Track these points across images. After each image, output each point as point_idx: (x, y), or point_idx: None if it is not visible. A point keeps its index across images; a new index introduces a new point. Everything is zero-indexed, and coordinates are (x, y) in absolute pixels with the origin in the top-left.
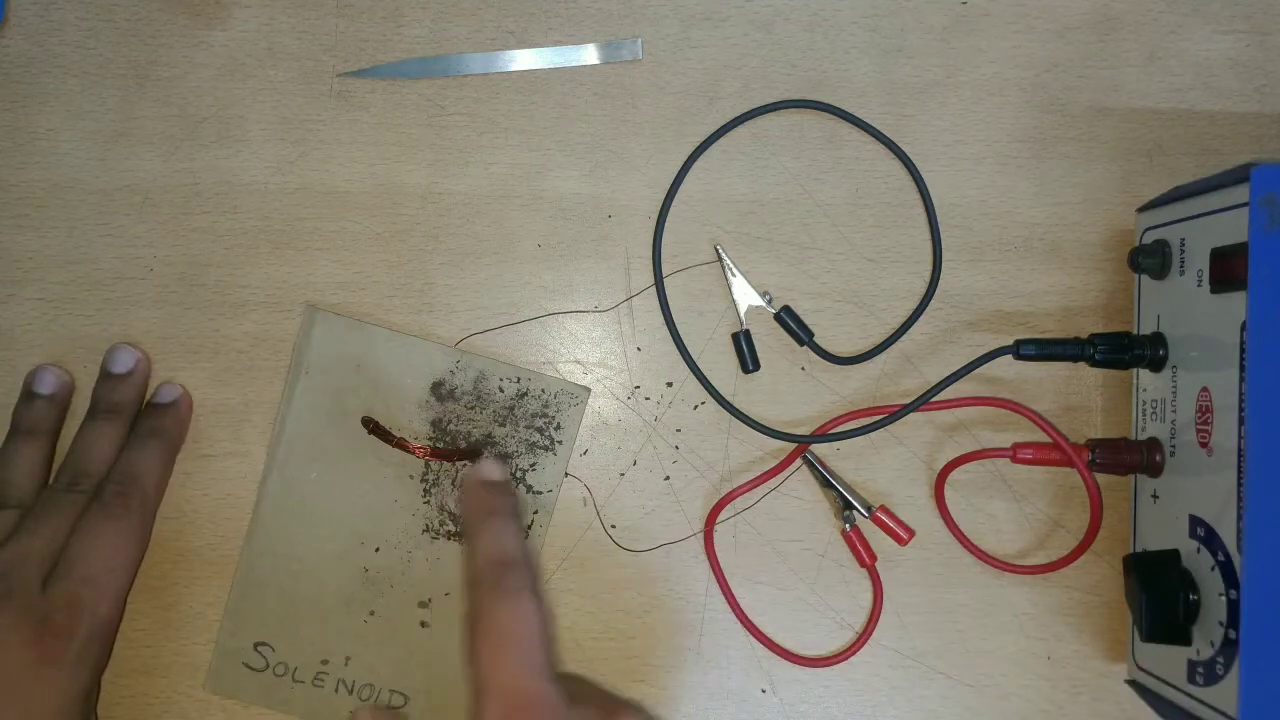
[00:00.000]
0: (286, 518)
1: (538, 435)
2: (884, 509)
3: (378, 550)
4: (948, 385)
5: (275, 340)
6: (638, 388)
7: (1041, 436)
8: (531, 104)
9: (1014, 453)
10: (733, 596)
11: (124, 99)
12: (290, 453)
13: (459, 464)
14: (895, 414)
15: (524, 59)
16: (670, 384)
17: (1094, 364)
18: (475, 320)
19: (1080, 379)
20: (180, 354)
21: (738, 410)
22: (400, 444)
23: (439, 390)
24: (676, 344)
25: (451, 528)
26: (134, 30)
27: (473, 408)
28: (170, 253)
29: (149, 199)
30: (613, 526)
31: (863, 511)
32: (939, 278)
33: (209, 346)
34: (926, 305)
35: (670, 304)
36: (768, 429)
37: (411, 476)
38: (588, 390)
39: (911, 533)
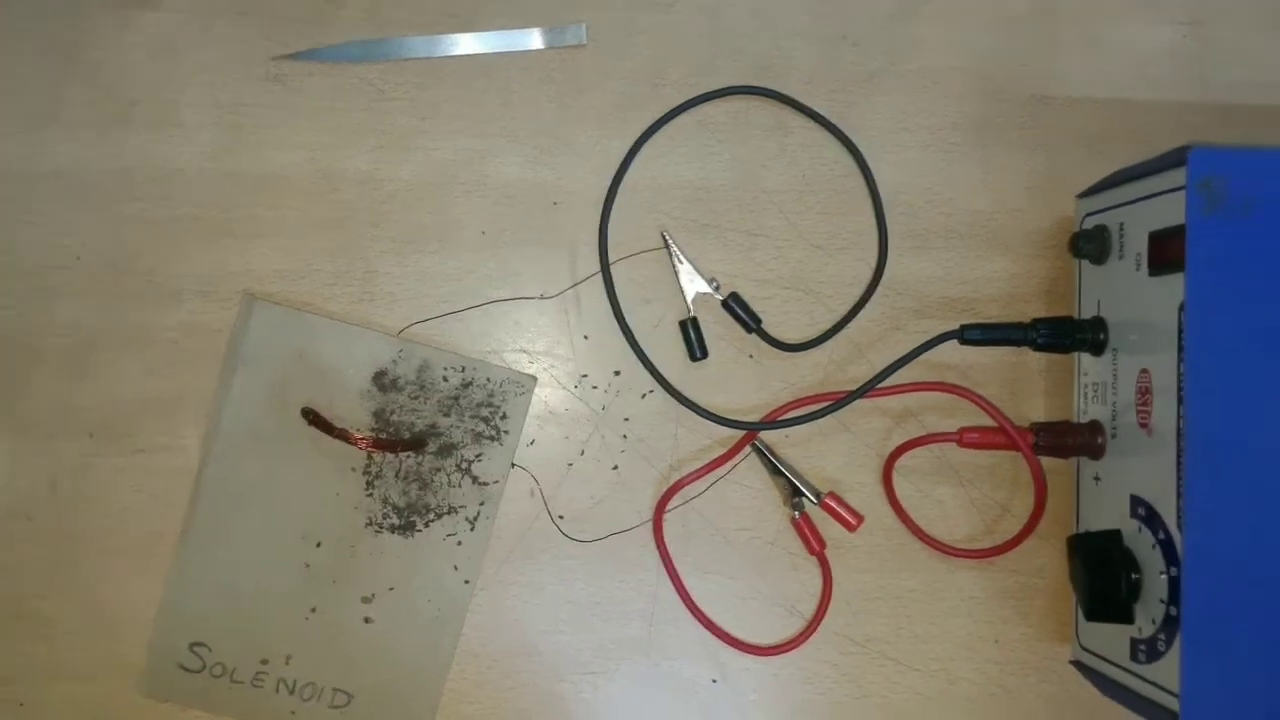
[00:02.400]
0: (224, 513)
1: (483, 425)
2: (833, 495)
3: (319, 545)
4: (894, 371)
5: (211, 330)
6: (585, 376)
7: (988, 421)
8: (475, 89)
9: (960, 436)
10: (683, 586)
11: (49, 80)
12: (228, 446)
13: (402, 455)
14: (842, 400)
15: (467, 43)
16: (618, 372)
17: (1037, 348)
18: (418, 309)
19: (1024, 364)
20: (110, 345)
21: (686, 398)
22: (342, 435)
23: (381, 380)
24: (624, 331)
25: (395, 521)
26: (60, 8)
27: (416, 398)
28: (98, 241)
29: (76, 185)
30: (560, 517)
31: (811, 498)
32: (885, 264)
33: (140, 337)
34: (873, 292)
35: (617, 291)
36: (716, 416)
37: (354, 469)
38: (534, 379)
39: (860, 518)
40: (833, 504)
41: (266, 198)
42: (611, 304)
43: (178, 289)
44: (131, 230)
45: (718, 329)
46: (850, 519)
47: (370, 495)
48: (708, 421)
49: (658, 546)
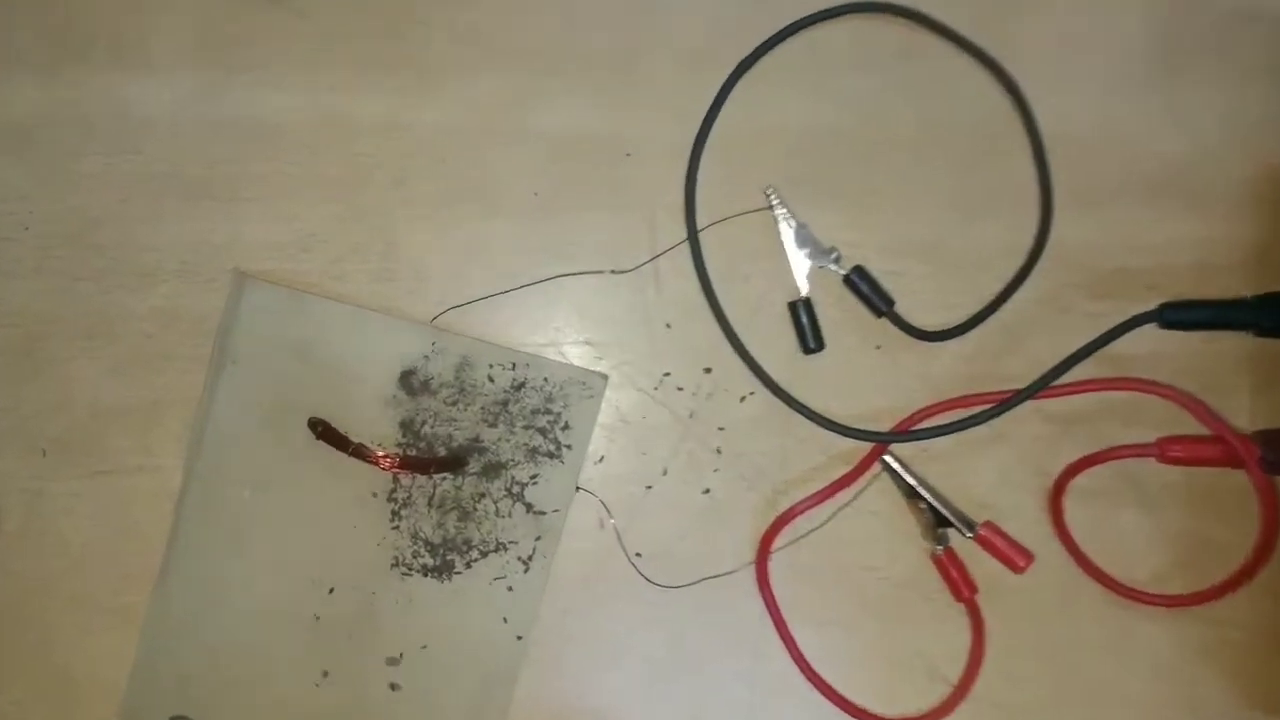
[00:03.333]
0: (211, 551)
1: (540, 438)
2: (990, 525)
3: (332, 592)
4: (1074, 364)
5: (193, 319)
6: (667, 375)
7: (1191, 427)
8: (527, 7)
9: (1160, 450)
10: (793, 642)
11: None
12: (215, 466)
13: (437, 477)
14: (1005, 403)
15: None
16: (709, 370)
17: (1261, 333)
18: (455, 290)
19: (1219, 353)
20: (67, 338)
21: (796, 401)
22: (359, 452)
23: (410, 381)
24: (717, 317)
25: (429, 561)
26: None
27: (454, 404)
28: (53, 206)
29: (21, 138)
30: (638, 555)
31: (964, 530)
32: (1049, 229)
33: (105, 328)
34: (1033, 264)
35: (708, 266)
36: (836, 425)
37: (375, 495)
38: (604, 378)
39: (1029, 557)
40: (991, 537)
41: (260, 151)
42: (701, 282)
43: (150, 267)
44: (93, 193)
45: (836, 313)
46: (1016, 557)
47: (397, 528)
48: (825, 432)
49: (762, 592)
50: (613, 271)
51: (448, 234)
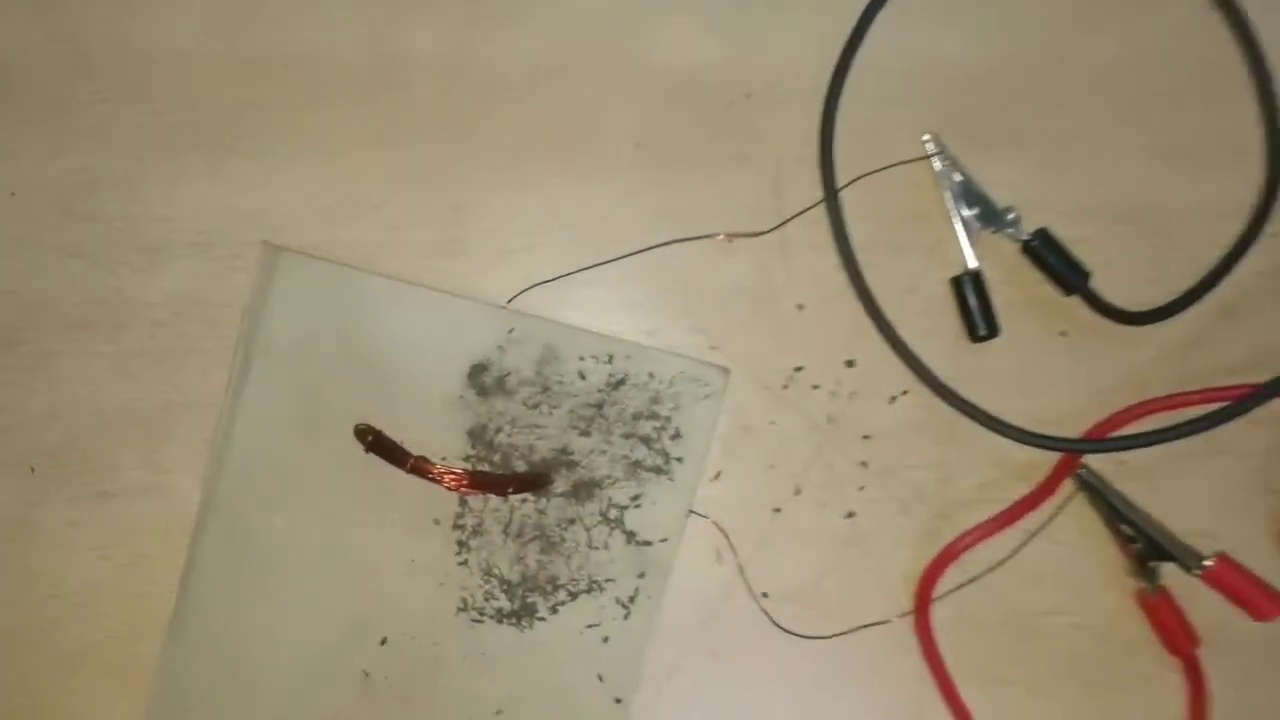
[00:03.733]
0: (235, 593)
1: (644, 449)
2: (1225, 560)
3: (384, 643)
4: None
5: (213, 304)
6: (799, 370)
7: None
8: None
9: None
10: (963, 709)
11: None
12: (240, 487)
13: (515, 498)
14: (1229, 407)
15: None
16: (851, 363)
17: None
18: (536, 264)
19: None
20: (59, 329)
21: (963, 401)
22: (419, 468)
23: (481, 379)
24: (861, 297)
25: (505, 604)
26: None
27: (536, 406)
28: (43, 167)
29: (5, 81)
30: (764, 595)
31: (1187, 564)
32: (1278, 186)
33: (106, 317)
34: (1259, 230)
35: (850, 233)
36: (1013, 430)
37: (438, 521)
38: (724, 373)
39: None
40: (1227, 574)
41: (297, 95)
42: (841, 254)
43: (161, 241)
44: (92, 150)
45: (1013, 290)
46: (1261, 601)
47: (464, 564)
48: (999, 439)
49: (923, 646)
50: (727, 237)
51: (527, 196)
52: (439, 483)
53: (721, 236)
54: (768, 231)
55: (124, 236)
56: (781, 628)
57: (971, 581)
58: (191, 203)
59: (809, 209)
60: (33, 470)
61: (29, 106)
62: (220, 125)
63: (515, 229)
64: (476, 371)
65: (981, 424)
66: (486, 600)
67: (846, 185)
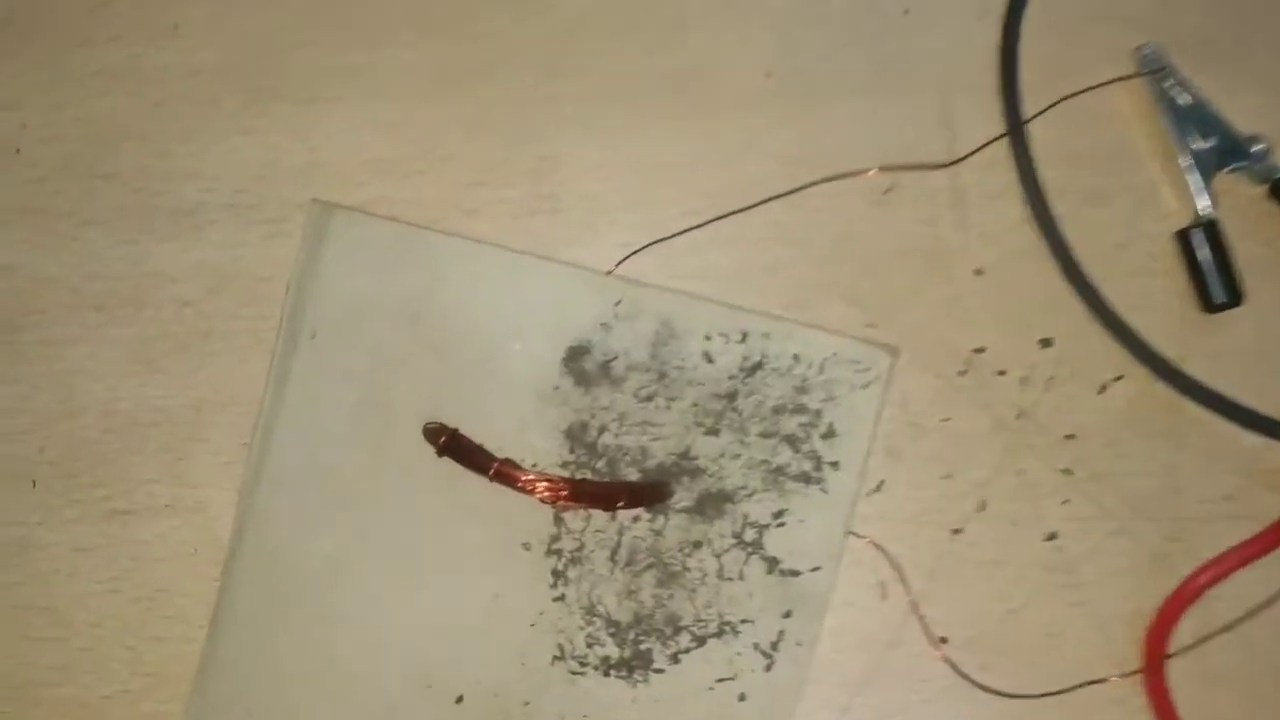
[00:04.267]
0: (274, 636)
1: (788, 452)
2: None
3: (461, 701)
4: None
5: (252, 278)
6: (980, 352)
7: None
8: None
9: None
10: None
11: None
12: (283, 503)
13: (624, 516)
14: None
15: None
16: (1047, 342)
17: None
18: (646, 222)
19: None
20: (68, 311)
21: (1199, 387)
22: (504, 475)
23: (581, 364)
24: (1058, 257)
25: (613, 651)
26: None
27: (650, 398)
28: (52, 118)
29: (8, 20)
30: (943, 641)
31: None
32: None
33: (124, 296)
34: None
35: (1041, 176)
36: (1267, 422)
37: (527, 546)
38: (891, 353)
39: None
40: None
41: (350, 31)
42: (1031, 202)
43: (191, 204)
44: (108, 98)
45: (1258, 244)
46: None
47: (561, 599)
48: (1248, 434)
49: (1156, 711)
50: (887, 190)
51: (631, 141)
52: (530, 494)
53: (873, 171)
54: (942, 166)
55: (146, 199)
56: (972, 681)
57: (1223, 631)
58: (226, 158)
59: (986, 146)
60: (34, 484)
61: (34, 48)
62: (260, 66)
63: (617, 181)
64: (575, 355)
65: (1222, 415)
66: (590, 647)
67: (1037, 115)
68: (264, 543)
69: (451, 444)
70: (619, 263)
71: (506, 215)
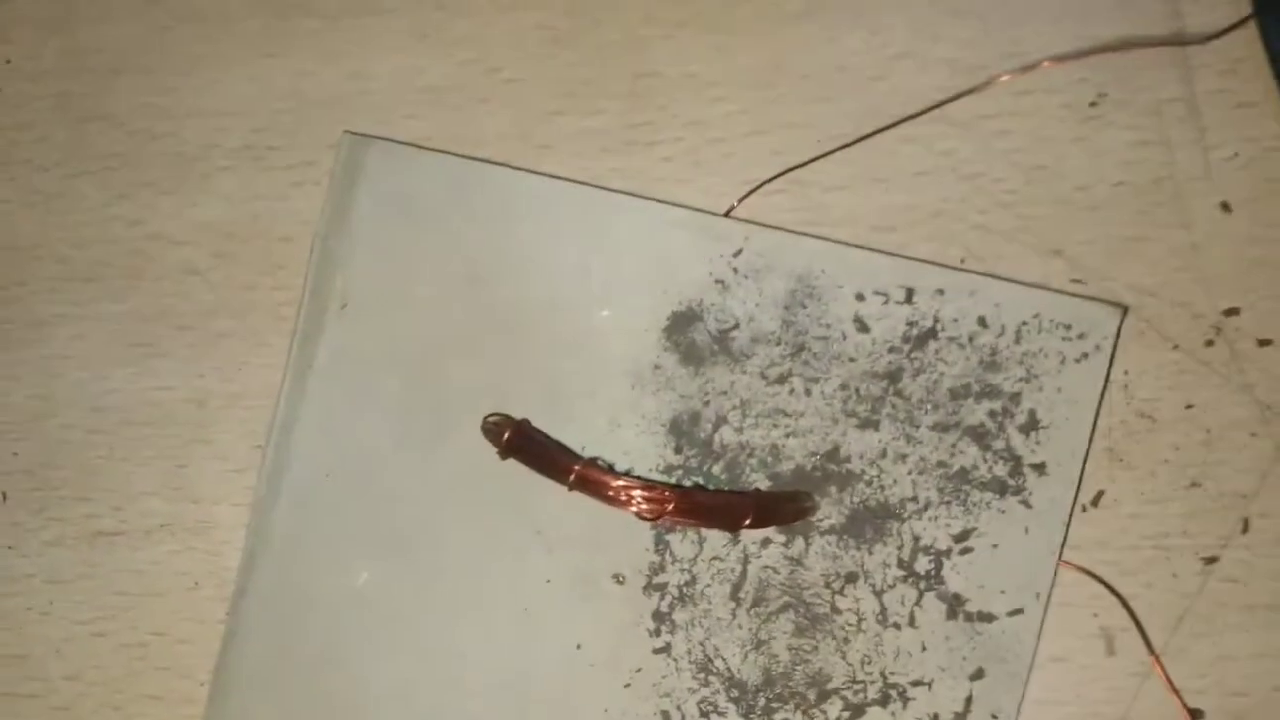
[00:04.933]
0: (292, 693)
1: (975, 451)
2: None
3: None
4: None
5: (272, 238)
6: (1232, 314)
7: None
8: None
9: None
10: None
11: None
12: (305, 523)
13: (750, 539)
14: None
15: None
16: None
17: None
18: (774, 154)
19: None
20: (49, 283)
21: None
22: (590, 480)
23: (689, 334)
24: None
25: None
26: None
27: (783, 378)
28: (36, 49)
29: None
30: (1198, 714)
31: None
32: None
33: (118, 263)
34: None
35: None
36: None
37: (620, 579)
38: (1118, 313)
39: None
40: None
41: None
42: None
43: (201, 146)
44: (103, 25)
45: None
46: None
47: (665, 650)
48: None
49: None
50: (1094, 104)
51: (756, 49)
52: (624, 507)
53: (1074, 69)
54: (1177, 44)
55: (147, 144)
56: None
57: None
58: (243, 89)
59: (1235, 27)
60: (3, 497)
61: None
62: None
63: (736, 102)
64: (681, 323)
65: None
66: (705, 716)
67: None
68: (281, 575)
69: (518, 440)
70: (740, 199)
71: (592, 151)
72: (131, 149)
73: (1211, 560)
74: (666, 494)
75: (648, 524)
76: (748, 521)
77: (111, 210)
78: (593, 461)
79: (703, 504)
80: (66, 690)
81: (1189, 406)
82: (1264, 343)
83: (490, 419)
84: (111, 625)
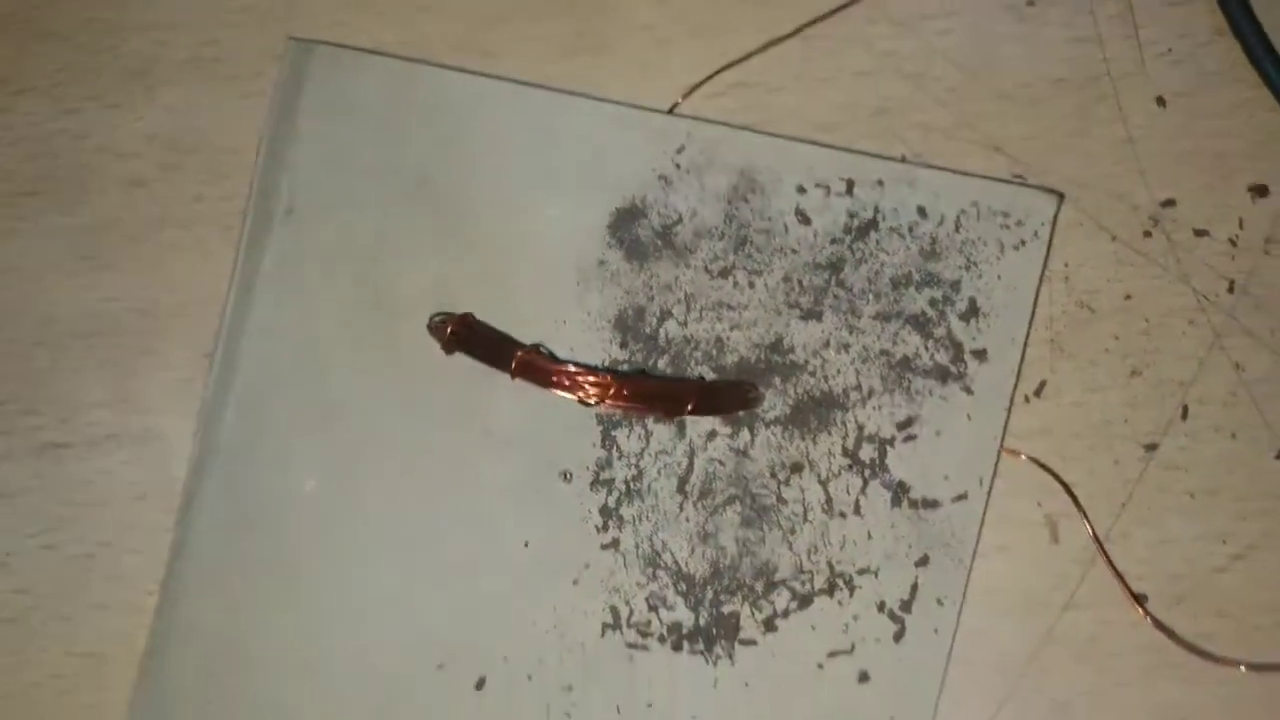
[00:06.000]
0: (242, 601)
1: (916, 340)
2: None
3: (482, 685)
4: None
5: (218, 149)
6: (1170, 205)
7: None
8: None
9: None
10: None
11: None
12: (253, 431)
13: (696, 430)
14: None
15: None
16: (1261, 189)
17: None
18: (717, 54)
19: None
20: (4, 196)
21: None
22: (531, 366)
23: (633, 229)
24: (1268, 76)
25: (683, 616)
26: None
27: (726, 272)
28: None
29: None
30: (1143, 599)
31: None
32: None
33: (63, 176)
34: None
35: None
36: None
37: (567, 476)
38: (1054, 200)
39: None
40: None
41: None
42: (1227, 6)
43: (145, 62)
44: None
45: None
46: None
47: (613, 545)
48: None
49: None
50: (1030, 3)
51: None
52: (567, 391)
53: None
54: None
55: (91, 59)
56: (1190, 647)
57: None
58: (188, 2)
59: None
60: None
61: None
62: None
63: (671, 6)
64: (626, 220)
65: None
66: (653, 610)
67: None
68: (229, 482)
69: (462, 331)
70: (684, 95)
71: (536, 57)
72: (75, 62)
73: (1152, 447)
74: (609, 379)
75: (595, 421)
76: (690, 407)
77: (57, 125)
78: (536, 348)
79: (645, 389)
80: (15, 603)
81: (1128, 297)
82: (1200, 233)
83: (436, 317)
84: (60, 537)
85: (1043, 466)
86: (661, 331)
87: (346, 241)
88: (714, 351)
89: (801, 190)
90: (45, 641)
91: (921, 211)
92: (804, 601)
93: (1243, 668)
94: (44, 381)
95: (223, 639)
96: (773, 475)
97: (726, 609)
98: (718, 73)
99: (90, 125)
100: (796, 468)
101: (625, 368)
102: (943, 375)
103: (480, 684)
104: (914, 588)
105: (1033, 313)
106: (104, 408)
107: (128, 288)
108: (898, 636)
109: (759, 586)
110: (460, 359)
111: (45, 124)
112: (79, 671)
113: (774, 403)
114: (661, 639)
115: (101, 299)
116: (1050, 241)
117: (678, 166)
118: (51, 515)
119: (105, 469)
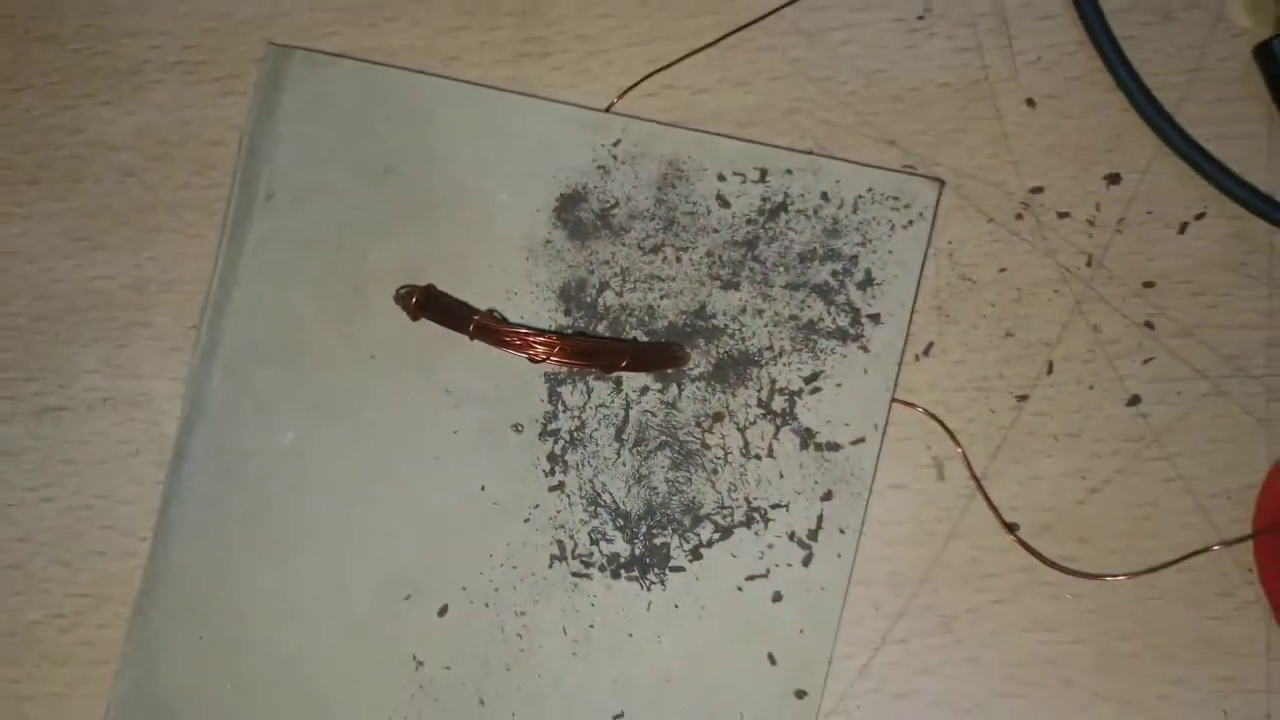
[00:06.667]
0: (228, 545)
1: (820, 305)
2: None
3: (444, 613)
4: None
5: (202, 142)
6: (1038, 191)
7: None
8: None
9: None
10: None
11: None
12: (236, 391)
13: (631, 385)
14: None
15: None
16: (1115, 177)
17: None
18: (649, 61)
19: None
20: (5, 185)
21: None
22: (486, 330)
23: (575, 213)
24: (1123, 83)
25: (621, 548)
26: None
27: (658, 248)
28: None
29: None
30: (1015, 527)
31: None
32: None
33: (62, 165)
34: None
35: None
36: None
37: (519, 427)
38: (936, 186)
39: None
40: None
41: None
42: (1087, 21)
43: (134, 63)
44: None
45: None
46: None
47: (559, 489)
48: None
49: (1265, 587)
50: (921, 17)
51: None
52: (518, 350)
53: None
54: None
55: (85, 60)
56: (1056, 566)
57: None
58: (174, 10)
59: None
60: None
61: None
62: None
63: (617, 18)
64: (569, 204)
65: None
66: (594, 544)
67: None
68: (214, 438)
69: (425, 300)
70: (619, 95)
71: (489, 61)
72: (73, 64)
73: (1023, 398)
74: (555, 339)
75: (542, 379)
76: (625, 364)
77: (53, 120)
78: (490, 313)
79: (586, 348)
80: (19, 550)
81: (1002, 270)
82: (1063, 215)
83: (401, 289)
84: (58, 490)
85: (930, 415)
86: (600, 301)
87: (321, 224)
88: (646, 318)
89: (722, 178)
90: (46, 584)
91: (825, 196)
92: (725, 533)
93: (1101, 581)
94: (44, 351)
95: (210, 580)
96: (697, 424)
97: (658, 541)
98: (649, 76)
99: (84, 120)
100: (718, 417)
101: (569, 332)
102: (843, 336)
103: (443, 611)
104: (820, 519)
105: (919, 283)
106: (99, 374)
107: (120, 266)
108: (806, 561)
109: (686, 521)
110: (424, 325)
111: (43, 119)
112: (79, 610)
113: (698, 361)
114: (602, 568)
115: (96, 277)
116: (934, 222)
117: (614, 158)
118: (51, 471)
119: (100, 429)
